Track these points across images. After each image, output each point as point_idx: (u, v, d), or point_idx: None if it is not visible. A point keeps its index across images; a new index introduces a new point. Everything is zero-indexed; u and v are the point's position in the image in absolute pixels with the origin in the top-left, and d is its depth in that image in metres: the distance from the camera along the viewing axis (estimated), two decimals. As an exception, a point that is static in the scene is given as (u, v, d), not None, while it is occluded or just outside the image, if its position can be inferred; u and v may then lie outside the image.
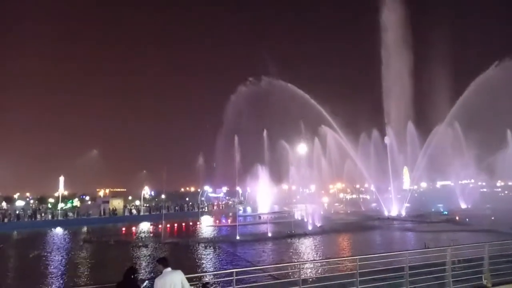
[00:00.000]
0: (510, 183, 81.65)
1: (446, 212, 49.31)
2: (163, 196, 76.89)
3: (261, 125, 62.24)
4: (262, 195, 66.82)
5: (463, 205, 58.53)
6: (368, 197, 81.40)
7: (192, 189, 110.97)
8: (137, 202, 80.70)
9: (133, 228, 47.22)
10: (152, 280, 7.19)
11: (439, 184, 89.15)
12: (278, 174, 67.96)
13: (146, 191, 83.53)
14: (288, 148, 62.82)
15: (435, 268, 10.52)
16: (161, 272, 7.04)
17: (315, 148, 61.66)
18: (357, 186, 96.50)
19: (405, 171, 62.67)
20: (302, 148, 69.63)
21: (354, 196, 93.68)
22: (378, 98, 57.26)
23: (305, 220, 42.94)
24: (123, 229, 46.38)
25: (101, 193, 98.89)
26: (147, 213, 68.31)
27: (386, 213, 52.25)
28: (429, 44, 57.65)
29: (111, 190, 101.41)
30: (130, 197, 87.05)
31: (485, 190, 72.54)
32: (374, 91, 57.25)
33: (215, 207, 78.25)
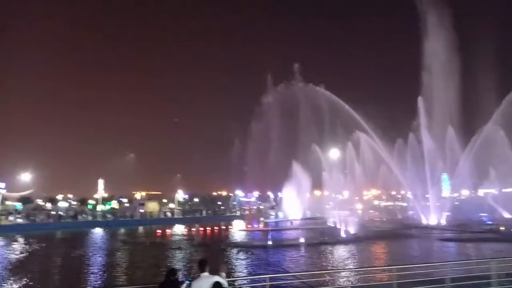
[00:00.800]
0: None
1: (491, 222, 46.57)
2: (196, 200, 78.43)
3: (293, 129, 61.84)
4: (294, 200, 66.34)
5: (508, 215, 55.06)
6: (404, 204, 78.57)
7: (224, 193, 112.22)
8: (171, 205, 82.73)
9: (168, 231, 48.41)
10: (190, 282, 7.38)
11: (481, 192, 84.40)
12: (311, 180, 67.16)
13: (180, 195, 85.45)
14: (321, 153, 62.01)
15: (479, 281, 9.99)
16: (198, 276, 7.14)
17: (348, 153, 60.50)
18: (393, 192, 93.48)
19: (445, 177, 59.94)
20: (334, 153, 68.55)
21: (389, 203, 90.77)
22: (416, 101, 55.28)
23: (338, 227, 42.13)
24: (158, 231, 47.69)
25: (138, 195, 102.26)
26: (180, 216, 69.86)
27: (424, 222, 50.19)
28: (470, 46, 54.87)
29: (147, 193, 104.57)
30: (165, 200, 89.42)
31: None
32: (411, 94, 55.32)
33: (246, 212, 78.62)
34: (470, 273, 11.17)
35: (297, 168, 62.08)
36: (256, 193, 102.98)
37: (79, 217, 63.09)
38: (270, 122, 61.65)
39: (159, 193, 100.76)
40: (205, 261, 7.29)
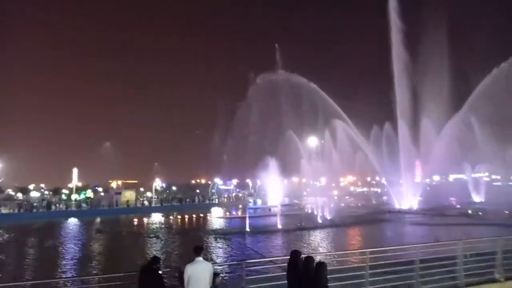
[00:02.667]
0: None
1: (459, 206, 48.69)
2: (174, 188, 77.77)
3: (272, 118, 62.05)
4: (272, 187, 66.97)
5: (477, 199, 57.67)
6: (379, 190, 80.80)
7: (203, 181, 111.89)
8: (149, 194, 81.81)
9: (145, 220, 47.92)
10: (176, 268, 7.60)
11: (452, 177, 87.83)
12: (288, 167, 67.87)
13: (158, 183, 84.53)
14: (298, 141, 62.60)
15: (447, 262, 10.42)
16: (193, 260, 7.32)
17: (326, 140, 61.37)
18: (368, 179, 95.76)
19: (418, 164, 61.89)
20: (312, 140, 69.40)
21: (365, 189, 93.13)
22: (391, 91, 56.28)
23: (315, 213, 42.91)
24: (135, 220, 47.11)
25: (114, 184, 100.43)
26: (158, 205, 69.22)
27: (397, 206, 51.85)
28: (440, 36, 55.86)
29: (124, 181, 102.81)
30: (142, 189, 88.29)
31: (499, 184, 71.21)
32: (387, 84, 56.18)
33: (225, 199, 78.76)
34: (439, 255, 11.61)
35: (275, 155, 62.55)
36: (235, 181, 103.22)
37: (53, 207, 61.37)
38: (250, 110, 61.58)
39: (136, 181, 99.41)
40: (200, 247, 7.67)
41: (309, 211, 45.99)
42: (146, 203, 71.59)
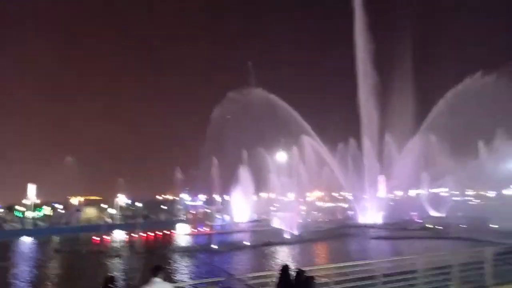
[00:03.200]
0: (481, 192, 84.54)
1: (420, 221, 50.58)
2: (139, 205, 75.37)
3: (242, 133, 62.31)
4: (240, 203, 66.54)
5: (436, 213, 60.16)
6: (345, 205, 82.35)
7: (170, 197, 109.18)
8: (112, 211, 78.65)
9: (107, 238, 45.93)
10: None
11: (413, 192, 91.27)
12: (257, 182, 67.90)
13: (122, 199, 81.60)
14: (267, 156, 63.04)
15: (408, 276, 10.74)
16: (149, 281, 6.88)
17: (294, 156, 62.21)
18: (335, 194, 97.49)
19: (381, 179, 63.99)
20: (281, 156, 70.05)
21: (331, 204, 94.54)
22: (356, 108, 58.28)
23: (283, 228, 42.99)
24: (96, 238, 45.01)
25: (75, 201, 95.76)
26: (122, 222, 66.67)
27: (362, 221, 53.03)
28: (404, 57, 59.03)
29: (85, 198, 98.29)
30: (105, 205, 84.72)
31: (457, 198, 74.84)
32: (352, 100, 58.26)
33: (192, 216, 77.20)
34: (401, 269, 11.94)
35: (244, 171, 62.46)
36: (203, 197, 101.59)
37: (6, 226, 57.47)
38: (220, 126, 61.66)
39: (99, 198, 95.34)
40: (158, 267, 7.11)
41: (277, 227, 46.00)
42: (108, 220, 68.73)
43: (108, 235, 49.15)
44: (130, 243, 39.66)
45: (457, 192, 77.27)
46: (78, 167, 70.89)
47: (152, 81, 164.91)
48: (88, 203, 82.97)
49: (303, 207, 70.59)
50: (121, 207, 79.71)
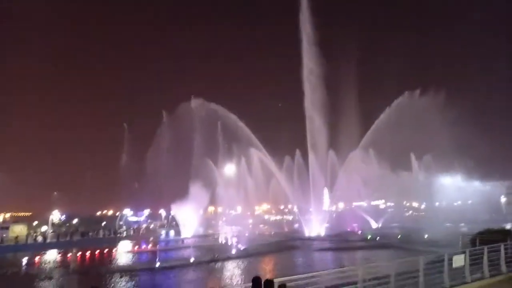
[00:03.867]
0: (414, 204, 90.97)
1: (360, 232, 52.96)
2: (75, 221, 70.23)
3: (188, 146, 61.08)
4: (186, 217, 64.74)
5: (375, 224, 63.44)
6: (291, 218, 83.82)
7: (110, 212, 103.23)
8: (44, 228, 72.30)
9: (37, 258, 42.01)
10: None
11: (354, 204, 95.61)
12: (204, 196, 66.67)
13: (56, 215, 75.52)
14: (215, 169, 62.36)
15: (350, 287, 11.01)
16: None
17: (242, 169, 62.19)
18: (281, 207, 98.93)
19: (325, 192, 66.19)
20: (229, 168, 69.66)
21: (278, 217, 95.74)
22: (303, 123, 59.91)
23: (229, 243, 42.47)
24: (25, 259, 40.93)
25: (0, 218, 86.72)
26: (54, 240, 61.40)
27: (307, 234, 54.17)
28: (350, 74, 62.44)
29: (13, 214, 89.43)
30: (36, 222, 77.69)
31: (393, 210, 79.71)
32: (299, 115, 59.96)
33: (135, 232, 73.53)
34: (343, 280, 12.20)
35: (191, 184, 61.03)
36: (147, 211, 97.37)
37: None
38: (165, 138, 60.18)
39: (29, 214, 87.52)
40: None
41: (223, 242, 45.35)
42: (39, 238, 62.91)
43: (39, 254, 45.09)
44: (64, 263, 36.62)
45: (393, 204, 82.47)
46: (6, 179, 64.67)
47: (96, 86, 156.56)
48: (16, 219, 75.64)
49: (251, 220, 70.64)
50: (54, 224, 73.65)
